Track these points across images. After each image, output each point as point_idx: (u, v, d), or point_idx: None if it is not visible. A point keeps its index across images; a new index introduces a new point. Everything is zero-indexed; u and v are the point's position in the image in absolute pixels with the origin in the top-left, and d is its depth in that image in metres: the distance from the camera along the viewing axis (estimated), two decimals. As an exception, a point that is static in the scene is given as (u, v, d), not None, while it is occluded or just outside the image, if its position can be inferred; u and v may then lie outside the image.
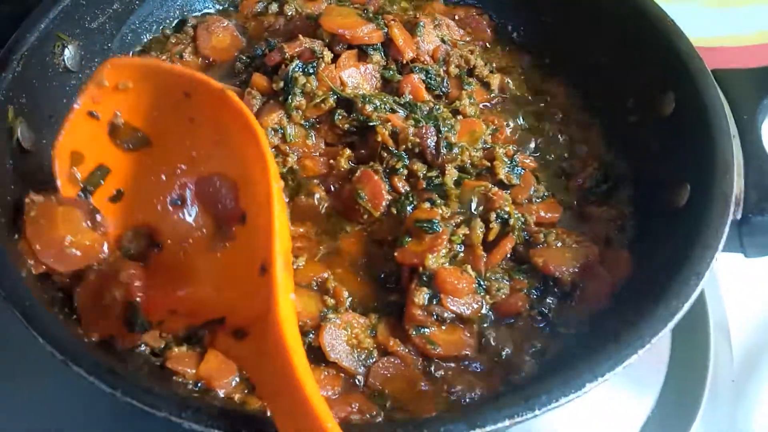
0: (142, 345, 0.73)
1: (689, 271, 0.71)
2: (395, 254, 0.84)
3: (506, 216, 0.85)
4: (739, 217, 0.80)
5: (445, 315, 0.81)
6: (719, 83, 0.90)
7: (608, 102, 1.00)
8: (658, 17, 0.95)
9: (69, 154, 0.74)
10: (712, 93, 0.86)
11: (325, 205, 0.91)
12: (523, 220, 0.87)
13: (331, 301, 0.82)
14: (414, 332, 0.80)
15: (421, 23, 1.02)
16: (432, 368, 0.79)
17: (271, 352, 0.59)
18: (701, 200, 0.79)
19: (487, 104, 1.03)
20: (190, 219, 0.70)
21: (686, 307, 0.70)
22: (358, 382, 0.78)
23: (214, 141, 0.68)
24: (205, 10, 1.10)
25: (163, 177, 0.71)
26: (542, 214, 0.89)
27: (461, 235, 0.85)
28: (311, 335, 0.79)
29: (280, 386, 0.58)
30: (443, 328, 0.81)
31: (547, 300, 0.84)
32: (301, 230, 0.89)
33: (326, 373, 0.77)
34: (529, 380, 0.77)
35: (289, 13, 1.07)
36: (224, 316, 0.64)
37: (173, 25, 1.07)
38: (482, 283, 0.83)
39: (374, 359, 0.79)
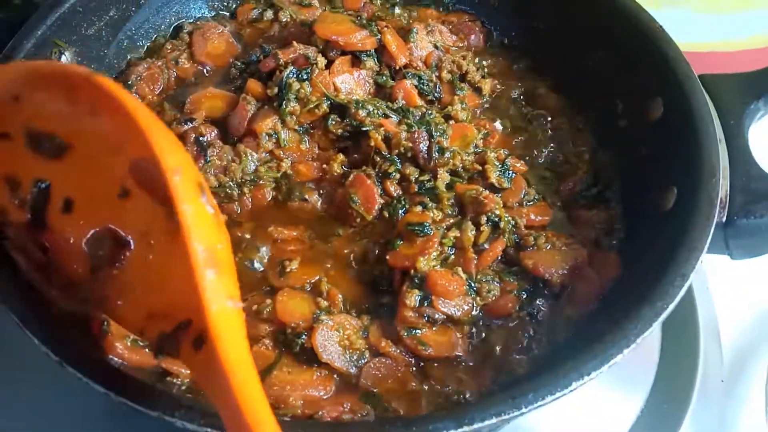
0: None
1: (675, 272, 0.73)
2: (387, 257, 0.86)
3: (497, 219, 0.87)
4: (724, 219, 0.82)
5: (436, 316, 0.82)
6: (706, 88, 0.91)
7: (599, 106, 1.01)
8: (647, 24, 0.96)
9: (2, 182, 0.72)
10: (699, 98, 0.87)
11: (318, 208, 0.93)
12: (513, 223, 0.88)
13: (323, 303, 0.83)
14: (405, 333, 0.81)
15: (414, 29, 1.04)
16: (423, 368, 0.80)
17: (214, 366, 0.54)
18: (688, 203, 0.80)
19: (479, 108, 1.04)
20: (141, 208, 0.65)
21: (671, 307, 0.71)
22: (349, 383, 0.79)
23: (116, 127, 0.64)
24: (201, 17, 1.11)
25: (99, 173, 0.67)
26: (532, 217, 0.91)
27: (452, 238, 0.86)
28: (304, 336, 0.80)
29: (227, 408, 0.54)
30: (434, 329, 0.82)
31: (537, 301, 0.85)
32: (294, 233, 0.91)
33: (318, 373, 0.79)
34: (518, 379, 0.78)
35: (284, 20, 1.08)
36: (190, 318, 0.60)
37: (169, 31, 1.09)
38: (473, 285, 0.84)
39: (366, 360, 0.80)
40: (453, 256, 0.86)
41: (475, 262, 0.85)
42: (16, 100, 0.68)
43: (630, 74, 0.97)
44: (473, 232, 0.86)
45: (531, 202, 0.93)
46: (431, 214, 0.88)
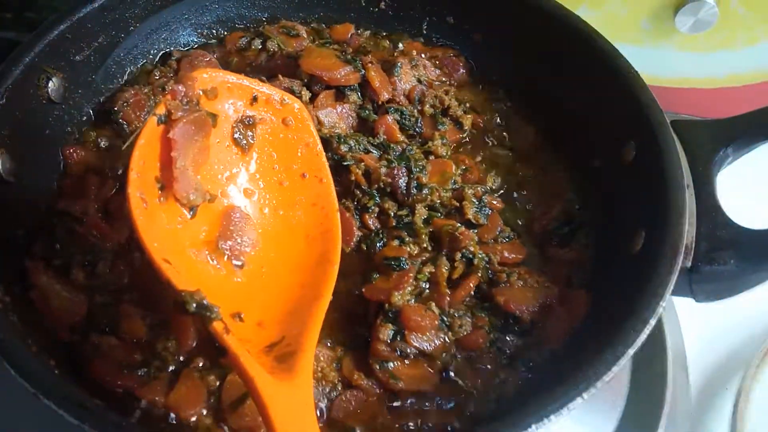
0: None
1: (636, 318, 0.75)
2: (363, 290, 0.88)
3: (471, 255, 0.89)
4: (689, 265, 0.84)
5: (409, 351, 0.84)
6: (677, 133, 0.93)
7: (575, 146, 1.03)
8: (623, 69, 0.98)
9: None
10: (670, 145, 0.89)
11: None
12: (487, 259, 0.90)
13: None
14: (378, 367, 0.83)
15: (399, 64, 1.06)
16: (394, 402, 0.82)
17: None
18: (654, 248, 0.82)
19: (459, 143, 1.06)
20: None
21: (631, 352, 0.73)
22: (320, 415, 0.80)
23: None
24: (190, 44, 1.13)
25: None
26: (506, 254, 0.93)
27: (427, 273, 0.88)
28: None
29: None
30: (407, 363, 0.84)
31: (507, 338, 0.87)
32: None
33: (290, 405, 0.80)
34: (484, 416, 0.80)
35: (272, 50, 1.10)
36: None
37: (157, 58, 1.10)
38: (445, 319, 0.86)
39: (338, 392, 0.81)
40: (427, 291, 0.88)
41: (449, 297, 0.88)
42: None
43: (605, 117, 0.99)
44: (447, 268, 0.88)
45: (506, 239, 0.95)
46: (408, 249, 0.90)
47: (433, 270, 0.88)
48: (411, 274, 0.87)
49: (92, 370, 0.78)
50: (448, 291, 0.88)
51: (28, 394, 0.65)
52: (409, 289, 0.86)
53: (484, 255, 0.90)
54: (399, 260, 0.88)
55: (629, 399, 1.02)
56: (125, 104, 1.01)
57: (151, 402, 0.78)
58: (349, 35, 1.15)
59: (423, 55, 1.13)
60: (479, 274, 0.89)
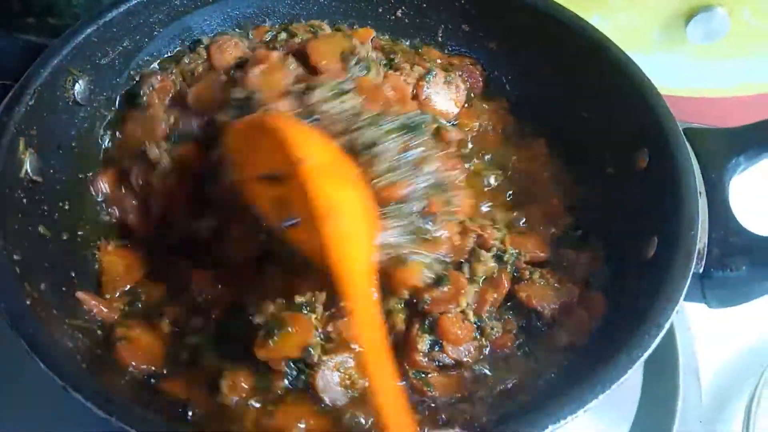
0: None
1: (651, 322, 0.76)
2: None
3: (501, 253, 0.90)
4: (701, 271, 0.84)
5: (446, 361, 0.85)
6: (690, 141, 0.94)
7: (587, 153, 1.04)
8: (636, 77, 0.99)
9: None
10: (683, 152, 0.90)
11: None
12: (516, 254, 0.91)
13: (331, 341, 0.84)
14: (414, 376, 0.84)
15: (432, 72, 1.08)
16: (422, 404, 0.83)
17: None
18: (667, 254, 0.83)
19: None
20: None
21: (645, 355, 0.74)
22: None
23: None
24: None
25: None
26: (530, 247, 0.94)
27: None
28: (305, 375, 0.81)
29: None
30: (442, 372, 0.85)
31: (531, 340, 0.89)
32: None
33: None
34: (505, 416, 0.81)
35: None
36: None
37: (188, 44, 1.10)
38: (479, 325, 0.87)
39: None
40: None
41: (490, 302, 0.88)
42: None
43: (618, 124, 1.00)
44: (485, 269, 0.89)
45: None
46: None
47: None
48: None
49: (117, 355, 0.80)
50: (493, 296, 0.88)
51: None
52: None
53: (514, 251, 0.91)
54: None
55: (641, 404, 1.03)
56: (150, 88, 1.01)
57: (172, 395, 0.79)
58: (370, 38, 1.16)
59: (438, 61, 1.15)
60: (509, 270, 0.90)
